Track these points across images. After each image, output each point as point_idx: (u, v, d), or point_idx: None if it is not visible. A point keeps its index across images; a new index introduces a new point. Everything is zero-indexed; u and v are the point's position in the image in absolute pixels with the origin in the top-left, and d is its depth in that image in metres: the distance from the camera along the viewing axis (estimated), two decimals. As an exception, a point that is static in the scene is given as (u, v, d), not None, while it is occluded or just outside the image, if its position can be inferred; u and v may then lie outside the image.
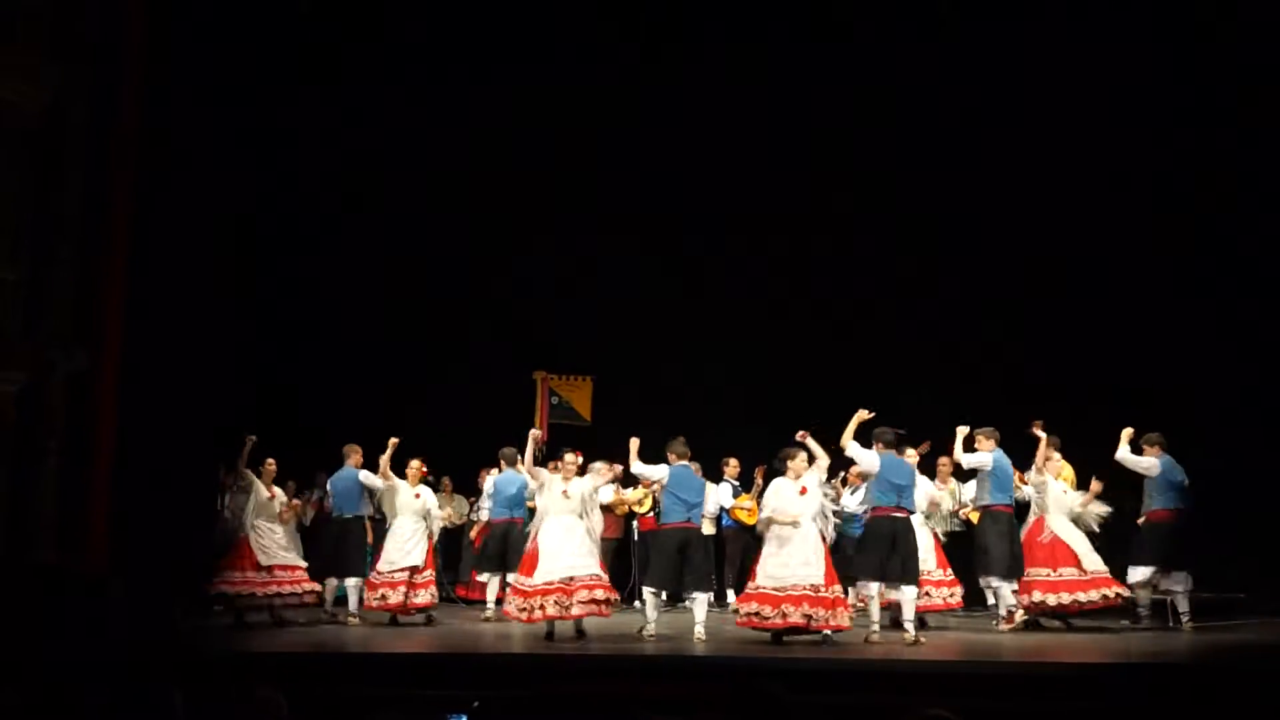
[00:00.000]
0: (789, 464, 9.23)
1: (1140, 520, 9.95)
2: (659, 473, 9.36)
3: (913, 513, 9.21)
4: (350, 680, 7.53)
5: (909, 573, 8.89)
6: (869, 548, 9.00)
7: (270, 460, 10.77)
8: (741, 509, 12.26)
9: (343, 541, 10.76)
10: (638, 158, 13.07)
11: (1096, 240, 12.10)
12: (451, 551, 13.08)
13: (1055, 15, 11.84)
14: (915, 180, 12.65)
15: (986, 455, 9.78)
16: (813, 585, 8.77)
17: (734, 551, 12.34)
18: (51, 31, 9.97)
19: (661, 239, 13.07)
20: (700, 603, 9.13)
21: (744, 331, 12.97)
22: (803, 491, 9.10)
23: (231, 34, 11.52)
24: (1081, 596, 9.68)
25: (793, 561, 8.87)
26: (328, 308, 13.32)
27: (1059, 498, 9.99)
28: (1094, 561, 9.79)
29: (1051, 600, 9.68)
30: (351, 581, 10.59)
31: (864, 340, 12.56)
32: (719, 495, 12.33)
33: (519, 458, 10.49)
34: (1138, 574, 9.66)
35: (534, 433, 10.02)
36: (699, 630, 8.94)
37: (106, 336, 10.11)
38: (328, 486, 11.31)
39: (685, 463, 9.43)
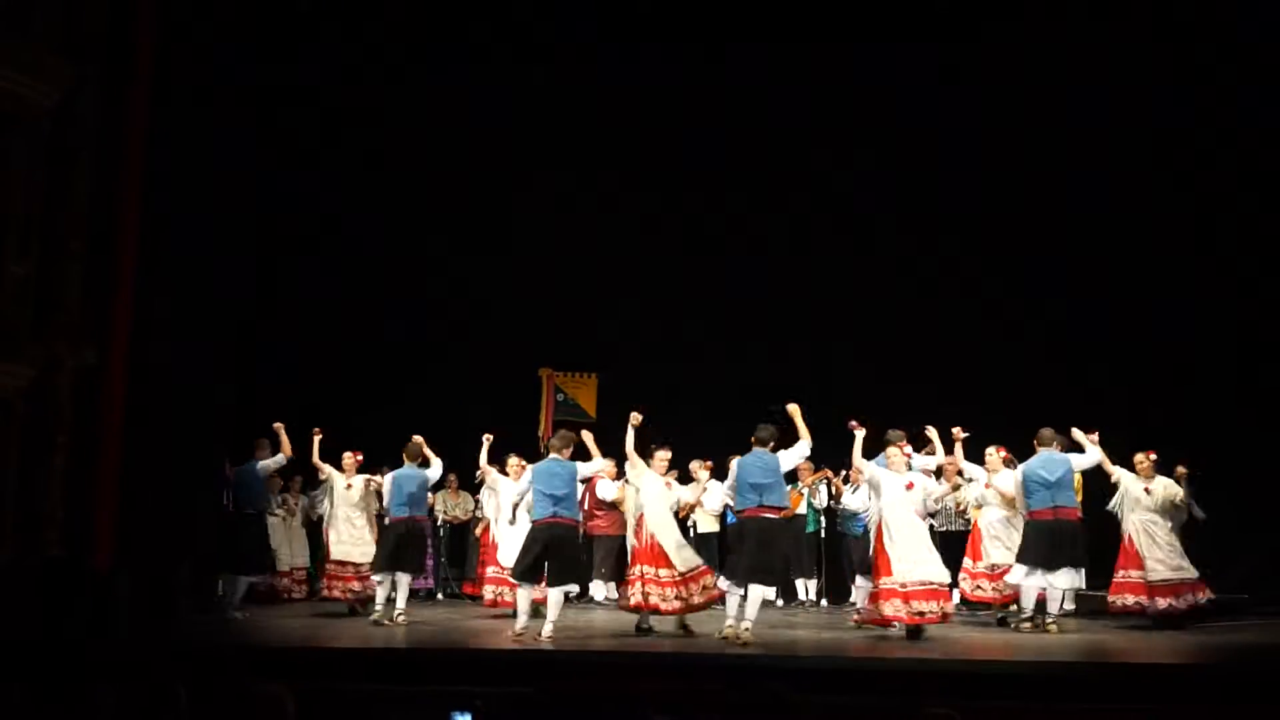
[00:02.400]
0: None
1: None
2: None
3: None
4: (356, 677, 7.56)
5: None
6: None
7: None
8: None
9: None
10: (640, 156, 13.07)
11: (1093, 239, 12.11)
12: (457, 548, 13.11)
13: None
14: (917, 181, 12.66)
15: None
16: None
17: (738, 549, 12.33)
18: (63, 29, 10.01)
19: (665, 236, 13.08)
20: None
21: (748, 330, 12.97)
22: (909, 487, 9.24)
23: (239, 33, 11.57)
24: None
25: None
26: (332, 306, 13.34)
27: (1140, 497, 9.86)
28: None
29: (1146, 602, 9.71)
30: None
31: (866, 340, 12.55)
32: (724, 493, 12.32)
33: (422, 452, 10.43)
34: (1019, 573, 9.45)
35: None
36: (549, 629, 8.74)
37: (114, 332, 10.15)
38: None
39: (557, 456, 9.17)
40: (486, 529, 11.56)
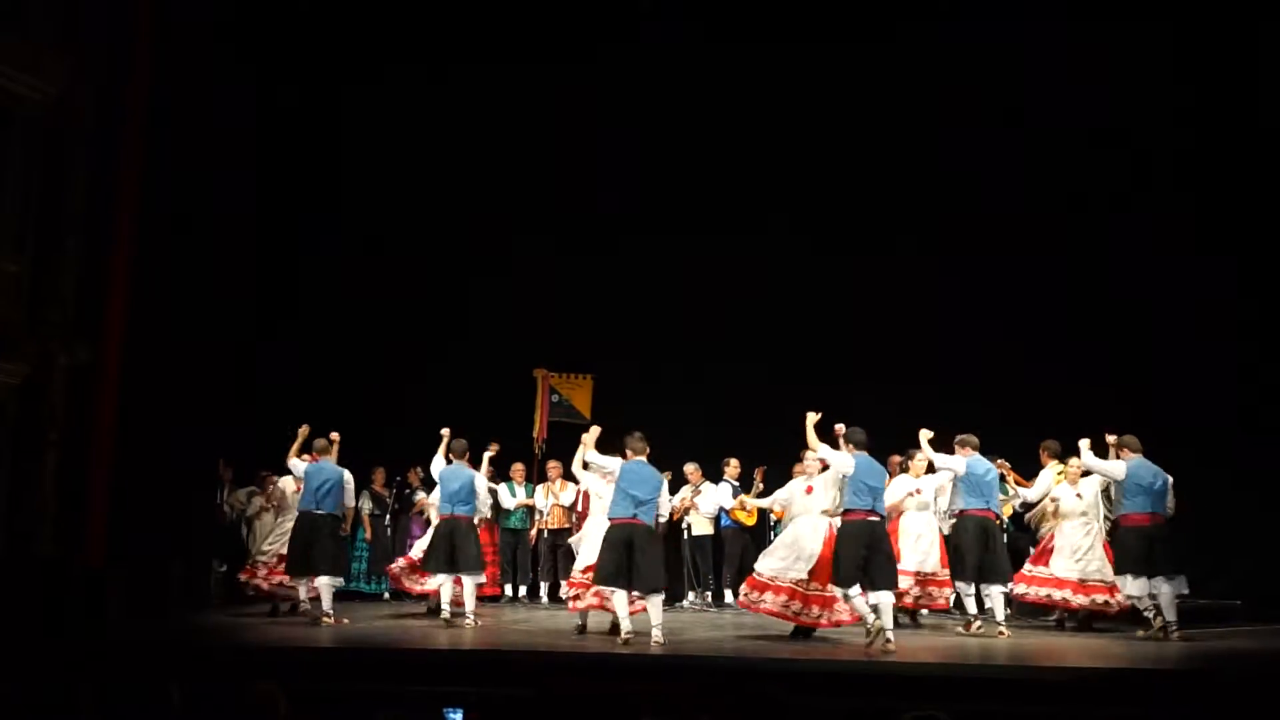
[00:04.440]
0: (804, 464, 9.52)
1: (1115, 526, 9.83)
2: (611, 464, 9.09)
3: (884, 516, 9.09)
4: (349, 676, 7.54)
5: (888, 577, 8.81)
6: (846, 551, 8.80)
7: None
8: (741, 510, 12.25)
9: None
10: (638, 156, 13.07)
11: (1091, 238, 12.14)
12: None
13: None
14: (914, 182, 12.67)
15: (960, 460, 9.76)
16: (800, 581, 9.05)
17: (733, 552, 12.33)
18: (59, 26, 10.00)
19: (662, 236, 13.07)
20: (655, 604, 8.81)
21: (745, 330, 12.96)
22: (808, 491, 9.29)
23: (236, 31, 11.57)
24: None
25: (797, 556, 9.08)
26: (328, 305, 13.33)
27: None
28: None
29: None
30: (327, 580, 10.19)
31: (866, 339, 12.55)
32: (718, 496, 12.32)
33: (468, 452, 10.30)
34: (1126, 583, 9.43)
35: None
36: (656, 634, 8.65)
37: (109, 330, 10.13)
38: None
39: (642, 458, 9.12)
40: (485, 529, 11.48)
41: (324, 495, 10.14)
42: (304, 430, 10.32)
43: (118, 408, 10.13)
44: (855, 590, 8.74)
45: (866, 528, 8.80)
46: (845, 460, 8.85)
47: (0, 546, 9.48)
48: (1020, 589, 10.17)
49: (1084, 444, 9.68)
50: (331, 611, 9.98)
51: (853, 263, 12.69)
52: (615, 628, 9.09)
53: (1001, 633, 9.43)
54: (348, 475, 10.45)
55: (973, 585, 9.69)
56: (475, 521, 10.32)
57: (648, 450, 9.15)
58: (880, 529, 8.95)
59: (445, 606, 9.96)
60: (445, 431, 10.33)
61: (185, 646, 8.76)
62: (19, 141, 9.85)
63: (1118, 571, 9.52)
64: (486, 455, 10.85)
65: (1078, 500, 10.21)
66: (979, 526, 9.66)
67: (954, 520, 9.95)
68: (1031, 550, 10.72)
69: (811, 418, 9.01)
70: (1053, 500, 10.32)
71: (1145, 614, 9.42)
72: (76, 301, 10.04)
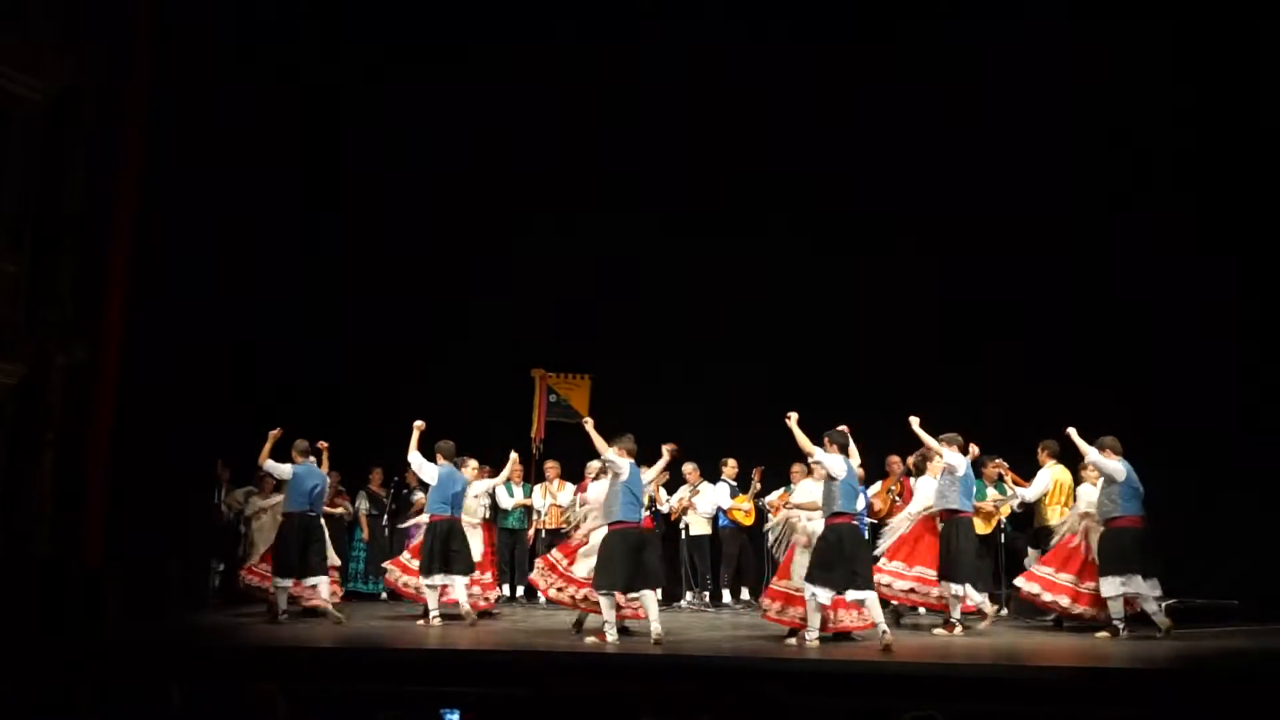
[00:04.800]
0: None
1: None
2: (623, 465, 8.97)
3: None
4: (348, 676, 7.54)
5: (871, 577, 8.77)
6: (842, 554, 8.61)
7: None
8: (739, 510, 12.25)
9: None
10: (638, 155, 13.07)
11: (1091, 238, 12.14)
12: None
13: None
14: (914, 182, 12.66)
15: (962, 459, 9.71)
16: None
17: (730, 552, 12.34)
18: (59, 26, 10.00)
19: (662, 237, 13.06)
20: (651, 601, 8.81)
21: (745, 330, 12.96)
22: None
23: (238, 30, 11.56)
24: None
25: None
26: (327, 305, 13.32)
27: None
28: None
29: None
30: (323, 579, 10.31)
31: (866, 339, 12.54)
32: (716, 495, 12.31)
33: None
34: (1111, 585, 9.30)
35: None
36: (656, 629, 8.66)
37: (107, 330, 10.13)
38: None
39: (633, 460, 9.10)
40: (484, 529, 11.44)
41: (317, 497, 10.32)
42: (275, 433, 10.27)
43: (115, 408, 10.13)
44: (828, 594, 8.66)
45: (856, 531, 8.80)
46: (838, 463, 8.76)
47: (-2, 546, 9.48)
48: (1034, 590, 9.98)
49: (1073, 431, 9.55)
50: (331, 605, 10.08)
51: (853, 263, 12.68)
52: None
53: (997, 614, 9.45)
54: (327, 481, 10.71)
55: (963, 587, 9.68)
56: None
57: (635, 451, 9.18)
58: (860, 531, 8.95)
59: (433, 610, 10.00)
60: (420, 424, 10.11)
61: (185, 646, 8.76)
62: (18, 141, 9.85)
63: (1109, 574, 9.31)
64: (513, 459, 11.02)
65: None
66: (974, 529, 9.66)
67: (943, 521, 9.90)
68: (1031, 550, 10.73)
69: (793, 417, 8.87)
70: (1094, 509, 9.86)
71: (1115, 621, 9.32)
72: (74, 301, 10.04)
